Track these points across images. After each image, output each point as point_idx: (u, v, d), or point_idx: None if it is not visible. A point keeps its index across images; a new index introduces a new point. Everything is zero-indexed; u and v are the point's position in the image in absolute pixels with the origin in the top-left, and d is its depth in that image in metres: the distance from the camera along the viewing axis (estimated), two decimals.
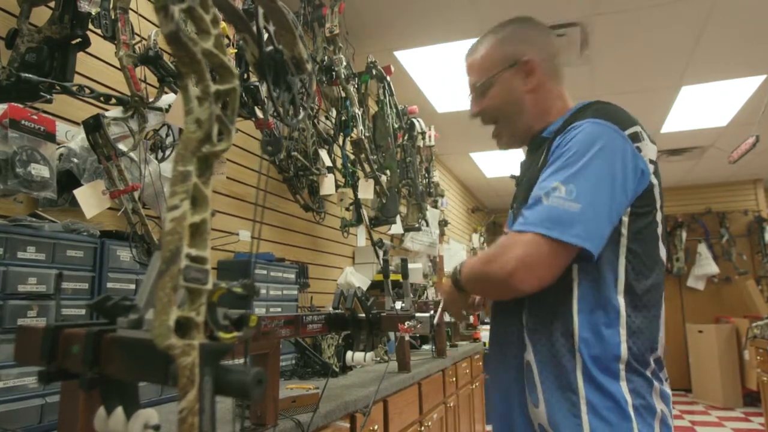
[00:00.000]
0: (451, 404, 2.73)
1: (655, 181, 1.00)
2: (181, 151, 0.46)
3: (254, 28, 0.61)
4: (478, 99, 1.17)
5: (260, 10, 0.62)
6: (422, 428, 2.21)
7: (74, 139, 1.46)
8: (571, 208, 0.91)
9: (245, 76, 1.81)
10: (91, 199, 1.37)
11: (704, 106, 4.45)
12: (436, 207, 4.27)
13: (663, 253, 1.02)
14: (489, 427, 3.73)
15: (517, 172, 1.24)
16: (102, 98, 1.40)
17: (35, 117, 1.29)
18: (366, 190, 2.75)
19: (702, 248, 7.02)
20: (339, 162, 2.79)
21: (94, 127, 1.34)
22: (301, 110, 0.67)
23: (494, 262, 0.96)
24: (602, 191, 0.92)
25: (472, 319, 1.41)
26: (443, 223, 4.70)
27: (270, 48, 0.63)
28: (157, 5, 0.44)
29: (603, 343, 0.95)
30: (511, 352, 1.07)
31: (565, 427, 0.95)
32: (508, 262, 0.92)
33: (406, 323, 1.41)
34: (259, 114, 1.91)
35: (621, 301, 0.97)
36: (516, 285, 0.93)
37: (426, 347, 3.05)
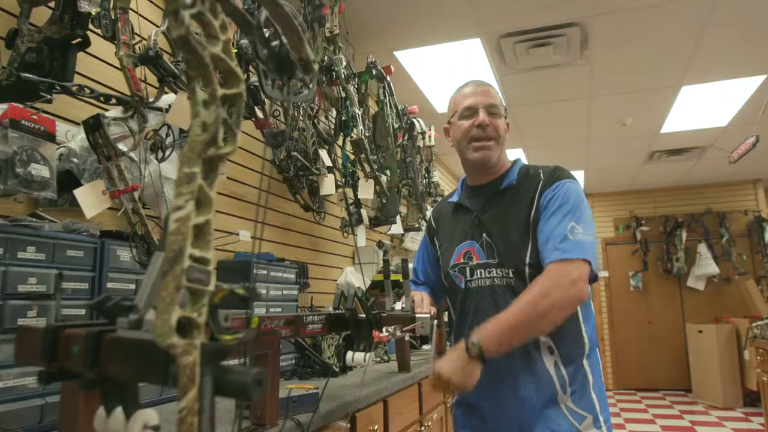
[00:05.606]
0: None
1: None
2: (186, 153, 0.46)
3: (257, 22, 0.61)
4: (493, 116, 1.44)
5: (262, 11, 0.62)
6: (422, 428, 2.20)
7: (74, 139, 1.46)
8: (588, 239, 1.24)
9: (245, 75, 1.82)
10: (91, 199, 1.37)
11: (704, 106, 4.44)
12: None
13: None
14: None
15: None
16: (102, 98, 1.39)
17: (35, 117, 1.29)
18: (366, 190, 2.75)
19: (702, 248, 7.02)
20: (339, 162, 2.79)
21: (94, 127, 1.34)
22: (304, 88, 0.68)
23: (555, 290, 1.17)
24: (593, 229, 1.30)
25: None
26: None
27: (276, 43, 0.63)
28: (168, 9, 0.44)
29: (594, 334, 1.36)
30: (534, 364, 1.30)
31: (583, 399, 1.29)
32: (572, 284, 1.17)
33: (383, 330, 1.39)
34: (259, 114, 1.90)
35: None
36: (583, 296, 1.20)
37: (426, 347, 3.05)
